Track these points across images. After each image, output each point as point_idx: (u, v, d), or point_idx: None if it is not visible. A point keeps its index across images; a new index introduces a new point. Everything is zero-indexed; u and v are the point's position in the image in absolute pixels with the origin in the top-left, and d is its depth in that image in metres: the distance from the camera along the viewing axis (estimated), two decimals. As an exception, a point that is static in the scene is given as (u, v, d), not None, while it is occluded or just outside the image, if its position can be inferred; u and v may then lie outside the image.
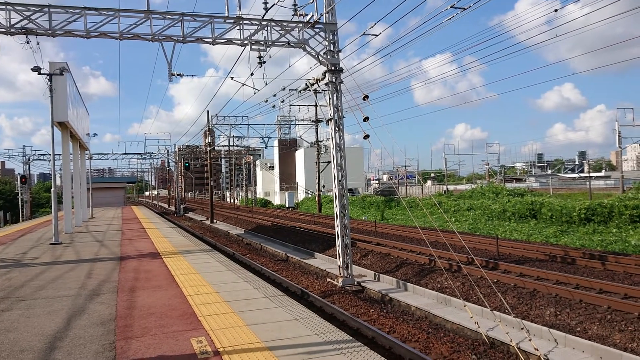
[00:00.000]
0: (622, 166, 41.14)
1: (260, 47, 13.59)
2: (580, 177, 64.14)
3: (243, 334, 5.98)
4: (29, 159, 52.27)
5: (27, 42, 13.60)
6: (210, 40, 13.16)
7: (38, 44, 15.64)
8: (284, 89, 25.72)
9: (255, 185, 74.84)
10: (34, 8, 12.28)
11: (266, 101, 28.70)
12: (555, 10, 15.99)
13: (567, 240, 17.97)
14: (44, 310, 7.38)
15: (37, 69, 16.21)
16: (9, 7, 12.20)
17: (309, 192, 58.68)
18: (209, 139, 41.70)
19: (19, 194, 53.76)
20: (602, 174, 76.58)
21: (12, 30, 12.26)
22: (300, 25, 13.45)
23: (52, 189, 18.06)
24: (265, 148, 47.63)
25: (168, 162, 64.94)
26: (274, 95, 28.26)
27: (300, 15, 13.47)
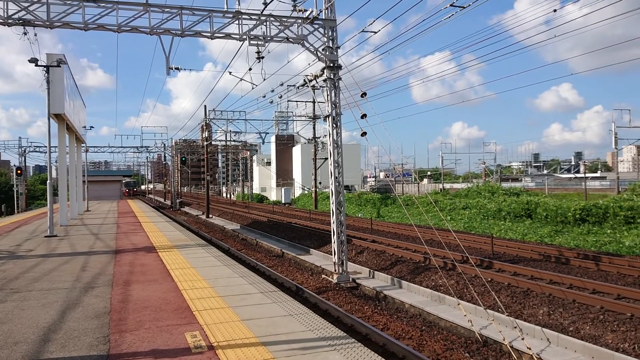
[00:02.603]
0: (617, 167, 41.22)
1: (259, 42, 13.58)
2: (576, 177, 64.37)
3: (237, 329, 5.99)
4: (24, 151, 52.05)
5: (25, 34, 13.54)
6: (209, 34, 13.13)
7: (35, 35, 15.59)
8: (282, 84, 25.69)
9: (252, 180, 74.85)
10: (31, -1, 12.19)
11: (264, 96, 28.77)
12: (555, 10, 16.09)
13: (562, 241, 18.04)
14: (38, 303, 7.37)
15: (34, 61, 16.14)
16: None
17: (306, 188, 58.66)
18: (206, 134, 41.64)
19: (15, 186, 53.52)
20: (598, 174, 77.00)
21: (10, 21, 12.17)
22: (300, 21, 13.43)
23: (48, 181, 18.04)
24: (263, 144, 47.71)
25: (165, 156, 64.70)
26: (272, 91, 28.23)
27: (300, 10, 13.45)
